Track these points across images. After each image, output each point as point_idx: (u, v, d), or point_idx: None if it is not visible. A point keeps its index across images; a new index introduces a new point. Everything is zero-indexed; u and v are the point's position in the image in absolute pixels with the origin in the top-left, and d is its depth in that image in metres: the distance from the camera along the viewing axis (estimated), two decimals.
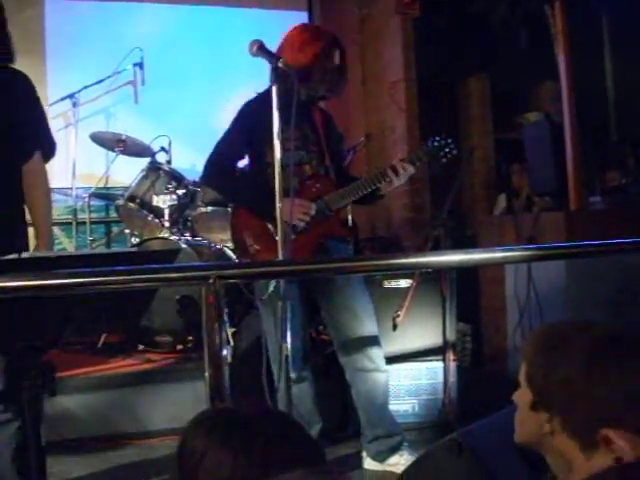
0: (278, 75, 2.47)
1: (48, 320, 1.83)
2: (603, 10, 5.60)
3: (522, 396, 1.47)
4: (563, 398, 1.37)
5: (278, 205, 2.42)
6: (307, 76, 2.98)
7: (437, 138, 3.15)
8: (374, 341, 3.15)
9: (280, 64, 2.47)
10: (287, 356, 2.31)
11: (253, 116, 2.99)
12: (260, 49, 2.52)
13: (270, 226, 2.97)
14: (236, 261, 3.95)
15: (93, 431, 3.62)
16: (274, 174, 2.53)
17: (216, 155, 3.15)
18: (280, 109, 2.52)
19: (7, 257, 1.82)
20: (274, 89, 2.45)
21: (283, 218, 2.72)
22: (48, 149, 2.82)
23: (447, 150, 3.14)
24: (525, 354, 1.48)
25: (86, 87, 5.42)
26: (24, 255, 2.15)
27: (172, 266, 1.65)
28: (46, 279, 1.51)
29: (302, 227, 3.05)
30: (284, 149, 2.68)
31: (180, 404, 3.66)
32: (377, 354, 3.16)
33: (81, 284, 1.58)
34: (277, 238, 2.72)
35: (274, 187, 2.54)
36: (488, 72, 6.23)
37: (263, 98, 2.58)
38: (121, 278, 1.56)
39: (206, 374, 1.55)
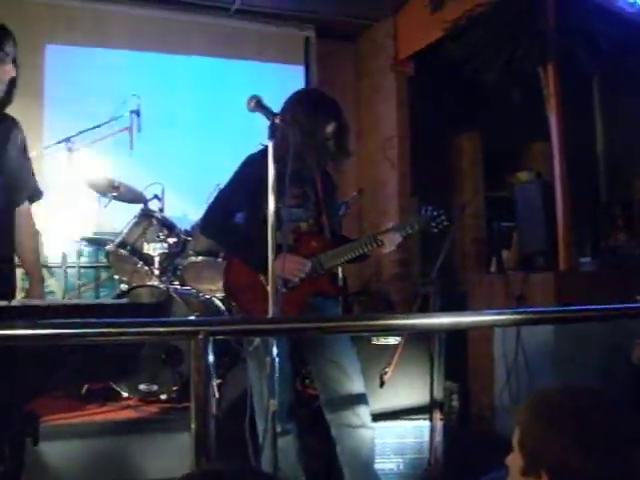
0: (274, 131, 2.49)
1: (33, 370, 1.81)
2: (594, 72, 5.71)
3: (514, 460, 1.47)
4: (553, 467, 1.37)
5: (271, 259, 2.41)
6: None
7: (430, 208, 3.21)
8: (361, 398, 3.12)
9: (277, 120, 2.50)
10: (274, 412, 2.28)
11: (255, 170, 3.01)
12: (258, 104, 2.54)
13: (263, 279, 2.98)
14: (225, 314, 3.93)
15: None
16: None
17: (216, 205, 3.19)
18: (282, 165, 2.55)
19: None
20: (270, 145, 2.47)
21: (277, 273, 2.76)
22: (36, 197, 2.93)
23: (439, 221, 3.19)
24: (519, 420, 1.49)
25: (82, 132, 5.43)
26: (14, 303, 2.15)
27: (161, 320, 1.64)
28: (33, 329, 1.49)
29: (295, 283, 3.06)
30: (283, 205, 2.76)
31: (165, 455, 3.61)
32: (364, 411, 3.13)
33: (70, 335, 1.57)
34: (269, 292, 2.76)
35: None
36: (480, 131, 6.32)
37: (265, 153, 2.60)
38: (110, 331, 1.55)
39: (192, 428, 1.52)
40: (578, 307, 2.44)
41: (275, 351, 2.40)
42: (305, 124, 3.04)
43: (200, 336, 1.47)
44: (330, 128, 3.11)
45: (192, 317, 4.10)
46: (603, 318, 2.73)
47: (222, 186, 3.24)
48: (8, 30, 2.80)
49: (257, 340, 2.73)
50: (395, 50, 6.27)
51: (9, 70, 2.76)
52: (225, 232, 3.21)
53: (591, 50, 4.61)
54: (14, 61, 2.78)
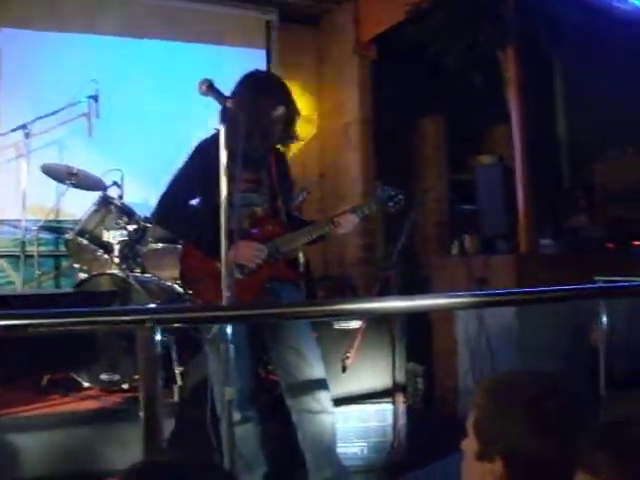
0: (225, 115, 2.44)
1: None
2: (554, 54, 5.73)
3: (469, 445, 1.46)
4: (507, 452, 1.36)
5: (224, 245, 2.38)
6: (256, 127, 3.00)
7: (386, 188, 3.22)
8: (321, 383, 3.11)
9: (229, 104, 2.45)
10: (230, 401, 2.25)
11: (207, 155, 2.96)
12: (209, 88, 2.49)
13: (219, 266, 2.94)
14: (175, 303, 3.89)
15: (39, 472, 3.50)
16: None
17: (169, 193, 3.12)
18: (234, 150, 2.51)
19: None
20: (222, 129, 2.43)
21: (234, 259, 2.73)
22: None
23: (396, 201, 3.21)
24: (475, 403, 1.48)
25: (39, 118, 5.34)
26: None
27: (109, 309, 1.61)
28: None
29: (251, 269, 3.03)
30: (237, 190, 2.70)
31: (128, 445, 3.56)
32: (324, 396, 3.11)
33: (15, 326, 1.53)
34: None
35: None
36: (443, 114, 6.32)
37: (217, 137, 2.55)
38: (57, 321, 1.51)
39: (141, 417, 1.50)
40: (535, 288, 2.45)
41: (230, 338, 2.37)
42: (250, 107, 2.98)
43: (147, 324, 1.44)
44: (276, 111, 3.07)
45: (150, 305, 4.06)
46: (561, 299, 2.74)
47: (175, 173, 3.16)
48: None
49: (215, 327, 2.70)
50: (357, 33, 6.23)
51: None
52: (179, 220, 3.15)
53: (552, 34, 4.61)
54: None
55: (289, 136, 3.19)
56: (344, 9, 6.43)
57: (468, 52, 4.67)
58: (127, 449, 3.53)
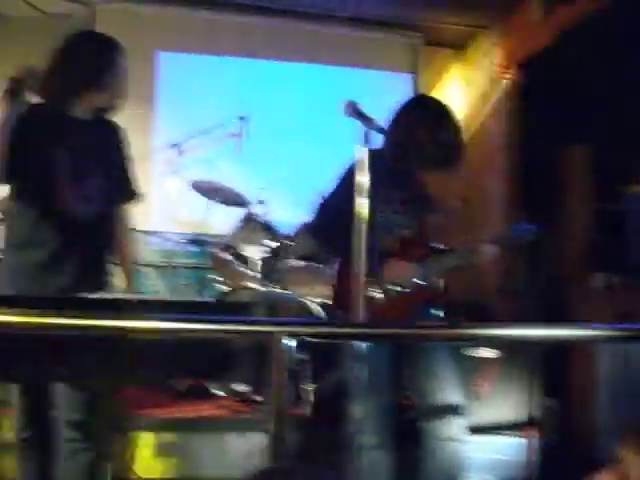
0: (369, 138, 2.47)
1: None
2: None
3: None
4: None
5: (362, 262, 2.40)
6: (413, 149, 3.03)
7: (522, 221, 3.25)
8: (457, 410, 3.07)
9: (373, 126, 2.48)
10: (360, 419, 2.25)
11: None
12: (354, 110, 2.53)
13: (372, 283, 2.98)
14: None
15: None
16: (376, 234, 2.68)
17: (325, 206, 3.22)
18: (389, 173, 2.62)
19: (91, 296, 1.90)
20: (364, 152, 2.46)
21: (389, 278, 2.86)
22: (134, 198, 3.06)
23: (530, 234, 3.17)
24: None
25: (191, 137, 5.60)
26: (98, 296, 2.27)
27: (239, 319, 1.66)
28: (99, 320, 1.55)
29: (405, 290, 3.05)
30: (391, 211, 2.95)
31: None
32: (459, 424, 3.07)
33: (133, 329, 1.61)
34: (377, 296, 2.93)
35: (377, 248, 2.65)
36: (592, 142, 6.10)
37: (371, 157, 2.59)
38: (182, 327, 1.57)
39: (270, 431, 1.54)
40: None
41: (373, 356, 2.40)
42: (408, 127, 3.02)
43: (280, 336, 1.48)
44: (437, 134, 3.06)
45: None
46: None
47: (330, 190, 3.24)
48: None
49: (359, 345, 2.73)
50: (503, 58, 6.14)
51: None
52: (335, 236, 3.14)
53: None
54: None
55: (450, 161, 3.16)
56: (491, 33, 6.36)
57: (617, 77, 4.51)
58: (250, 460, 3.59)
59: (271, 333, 1.44)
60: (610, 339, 2.82)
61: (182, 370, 4.11)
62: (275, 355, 1.49)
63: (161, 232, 5.65)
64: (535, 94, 5.82)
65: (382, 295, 3.01)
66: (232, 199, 5.20)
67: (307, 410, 4.01)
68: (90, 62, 2.87)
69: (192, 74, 6.15)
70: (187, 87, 6.12)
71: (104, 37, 3.03)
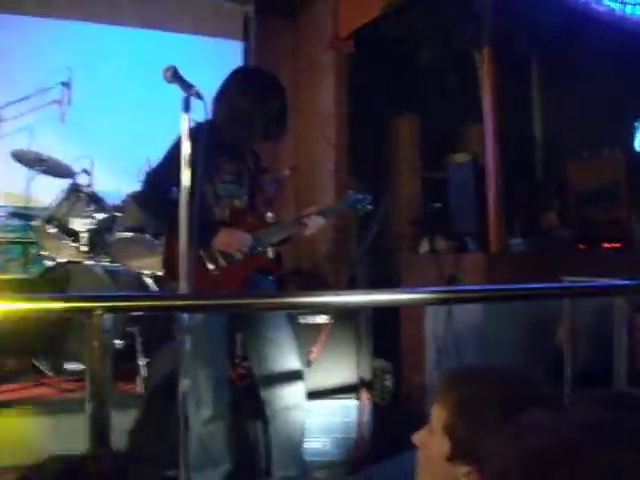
0: (189, 104, 2.41)
1: None
2: (531, 53, 5.73)
3: (436, 445, 1.40)
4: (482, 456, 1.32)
5: (183, 232, 2.34)
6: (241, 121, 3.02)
7: (353, 192, 3.28)
8: (297, 375, 3.10)
9: (192, 93, 2.42)
10: (185, 392, 2.20)
11: (192, 143, 2.93)
12: (174, 76, 2.45)
13: (203, 255, 2.94)
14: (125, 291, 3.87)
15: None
16: (208, 204, 2.72)
17: (154, 175, 3.13)
18: (220, 144, 2.62)
19: None
20: (185, 118, 2.40)
21: (221, 247, 2.87)
22: None
23: (362, 205, 3.25)
24: (446, 402, 1.41)
25: (10, 103, 5.27)
26: None
27: (58, 295, 1.57)
28: None
29: (237, 258, 3.02)
30: (220, 182, 2.91)
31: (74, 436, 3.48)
32: (299, 388, 3.11)
33: None
34: (210, 266, 2.95)
35: (208, 217, 2.66)
36: (419, 112, 6.30)
37: (201, 128, 2.55)
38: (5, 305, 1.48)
39: (87, 411, 1.46)
40: (502, 286, 2.45)
41: (206, 327, 2.36)
42: (237, 98, 3.00)
43: (97, 312, 1.40)
44: (264, 104, 3.05)
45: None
46: (526, 297, 2.74)
47: (159, 160, 3.12)
48: None
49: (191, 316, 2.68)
50: (334, 28, 6.19)
51: None
52: (164, 206, 3.06)
53: (529, 35, 4.62)
54: None
55: (278, 130, 3.16)
56: (322, 3, 6.39)
57: (444, 50, 4.67)
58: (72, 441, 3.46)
59: (93, 310, 1.36)
60: (435, 301, 2.95)
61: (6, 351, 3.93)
62: (89, 331, 1.41)
63: None
64: (365, 64, 5.92)
65: (213, 265, 2.99)
66: (55, 169, 4.95)
67: (140, 386, 3.92)
68: None
69: (9, 36, 5.74)
70: (4, 50, 5.71)
71: None
